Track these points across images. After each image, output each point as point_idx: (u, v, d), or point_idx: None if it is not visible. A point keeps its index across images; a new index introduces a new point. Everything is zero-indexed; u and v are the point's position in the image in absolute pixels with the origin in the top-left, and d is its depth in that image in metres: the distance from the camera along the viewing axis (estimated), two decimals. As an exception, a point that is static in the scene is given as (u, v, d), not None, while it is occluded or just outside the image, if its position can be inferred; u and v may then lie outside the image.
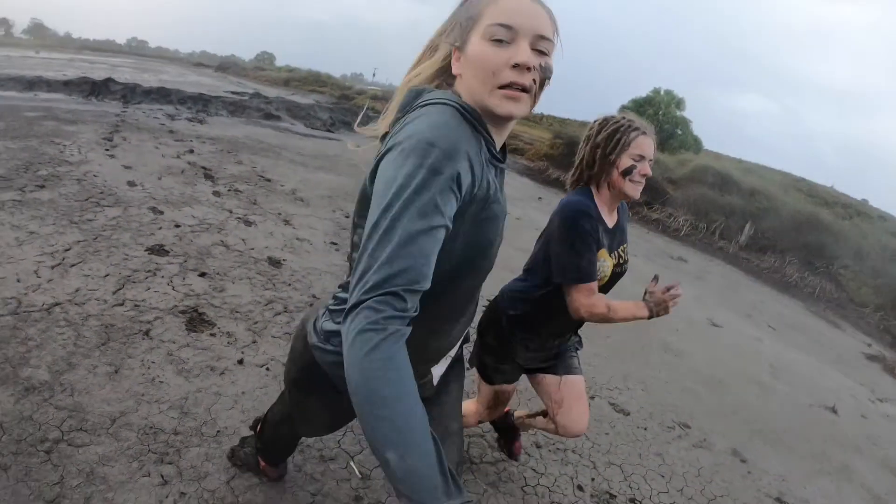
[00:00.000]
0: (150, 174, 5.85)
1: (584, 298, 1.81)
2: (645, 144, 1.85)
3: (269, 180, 6.89)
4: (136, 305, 3.04)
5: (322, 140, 12.43)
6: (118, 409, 2.24)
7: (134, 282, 3.30)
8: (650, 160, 1.87)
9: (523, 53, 0.96)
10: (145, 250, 3.79)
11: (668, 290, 1.85)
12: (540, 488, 2.55)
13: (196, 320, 3.02)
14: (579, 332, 2.21)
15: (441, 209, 0.87)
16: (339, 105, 22.91)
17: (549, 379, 2.11)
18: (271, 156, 8.75)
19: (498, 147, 1.09)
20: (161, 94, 13.29)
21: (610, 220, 1.93)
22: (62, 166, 5.37)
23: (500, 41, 0.97)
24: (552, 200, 9.95)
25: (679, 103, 26.30)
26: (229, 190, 5.97)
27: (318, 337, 1.18)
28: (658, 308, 1.84)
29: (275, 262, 4.14)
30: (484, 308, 2.17)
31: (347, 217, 5.95)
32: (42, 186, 4.63)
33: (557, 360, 2.13)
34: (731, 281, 10.00)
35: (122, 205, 4.62)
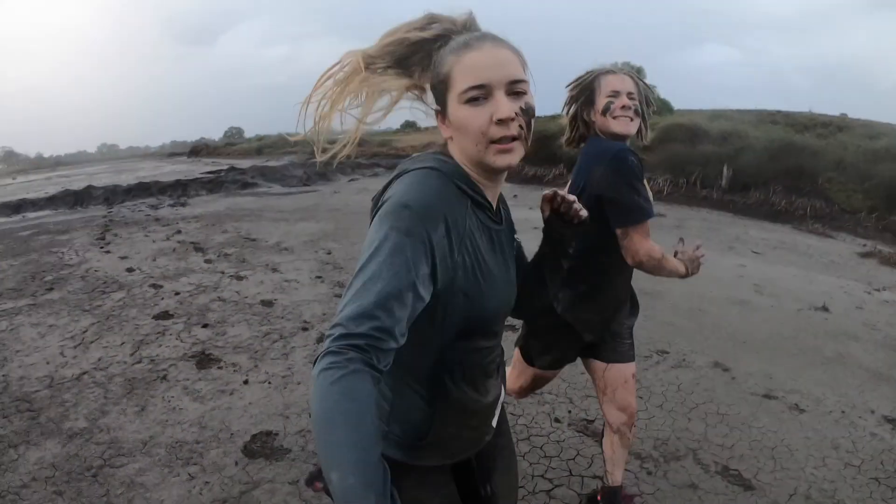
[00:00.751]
0: (145, 258, 6.37)
1: (644, 241, 1.80)
2: (614, 81, 1.88)
3: (254, 239, 7.41)
4: (151, 360, 3.53)
5: (299, 195, 13.00)
6: (147, 435, 2.72)
7: (147, 343, 3.79)
8: (627, 93, 1.87)
9: (503, 108, 0.98)
10: (153, 318, 4.29)
11: (697, 248, 1.92)
12: (518, 427, 2.91)
13: (204, 360, 3.50)
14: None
15: (411, 270, 0.89)
16: (310, 160, 23.52)
17: (595, 365, 2.08)
18: (253, 219, 9.29)
19: (493, 200, 1.10)
20: (141, 189, 13.90)
21: None
22: (64, 269, 5.91)
23: (476, 100, 0.98)
24: (527, 197, 10.30)
25: (638, 71, 26.63)
26: (219, 255, 6.48)
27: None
28: (692, 266, 1.91)
29: (267, 303, 4.62)
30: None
31: (329, 254, 6.45)
32: (51, 289, 5.15)
33: (608, 341, 2.06)
34: (712, 223, 10.22)
35: (125, 288, 5.12)
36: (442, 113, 1.05)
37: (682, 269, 1.89)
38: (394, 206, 0.93)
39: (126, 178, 18.69)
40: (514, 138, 1.00)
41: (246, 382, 3.23)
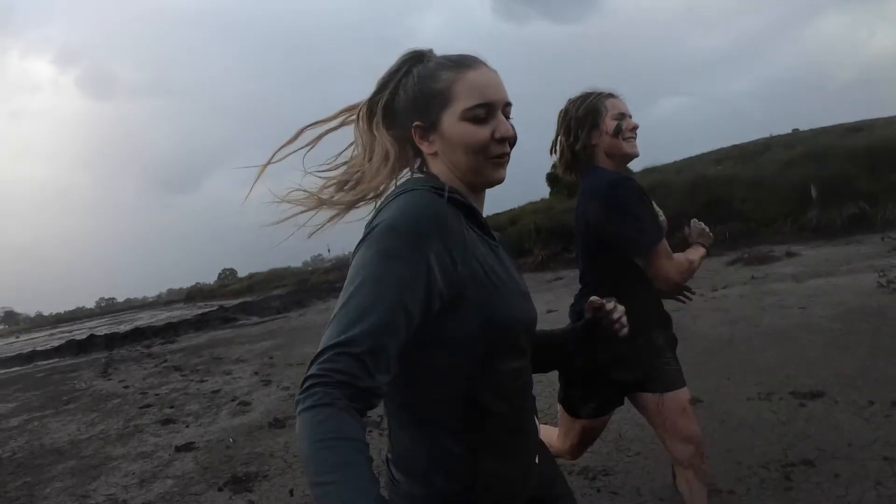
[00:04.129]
0: (137, 380, 8.58)
1: (668, 260, 1.77)
2: (619, 104, 1.88)
3: (220, 358, 9.63)
4: (136, 427, 5.67)
5: (270, 322, 15.35)
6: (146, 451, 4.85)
7: (134, 419, 5.95)
8: (629, 116, 1.88)
9: (503, 127, 1.00)
10: (139, 407, 6.46)
11: (697, 222, 2.01)
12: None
13: (167, 421, 5.64)
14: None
15: (399, 292, 0.85)
16: (293, 290, 26.12)
17: (646, 399, 1.89)
18: (225, 344, 11.57)
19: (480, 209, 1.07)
20: (137, 334, 16.27)
21: None
22: (77, 391, 8.14)
23: (480, 118, 0.99)
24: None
25: None
26: (192, 371, 8.69)
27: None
28: (705, 239, 1.97)
29: (216, 392, 6.79)
30: None
31: (271, 358, 8.64)
32: (68, 402, 7.35)
33: (654, 368, 1.87)
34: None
35: (120, 397, 7.32)
36: (426, 129, 1.03)
37: (702, 251, 1.91)
38: (381, 229, 0.90)
39: (124, 327, 21.09)
40: (506, 155, 1.03)
41: (188, 426, 5.37)
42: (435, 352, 0.94)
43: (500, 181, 1.05)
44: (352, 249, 0.97)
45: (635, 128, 1.88)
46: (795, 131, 21.98)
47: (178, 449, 4.56)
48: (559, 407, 2.05)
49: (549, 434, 2.11)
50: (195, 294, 57.02)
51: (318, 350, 0.82)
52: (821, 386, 3.52)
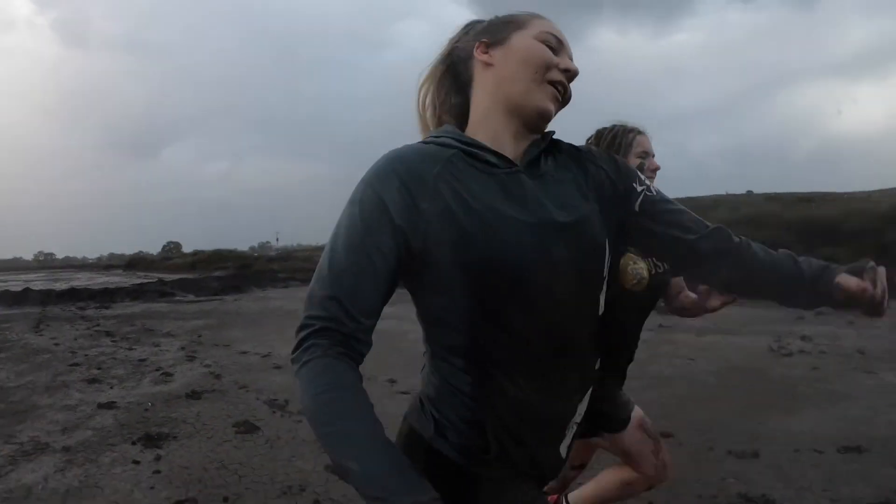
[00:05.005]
0: (68, 339, 8.98)
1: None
2: (645, 142, 1.90)
3: (152, 330, 10.07)
4: (64, 383, 6.15)
5: (206, 302, 15.75)
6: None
7: (62, 374, 6.42)
8: (653, 155, 1.90)
9: (571, 63, 1.00)
10: (67, 365, 6.93)
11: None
12: None
13: (94, 381, 6.15)
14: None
15: (368, 234, 0.87)
16: (234, 274, 26.37)
17: (613, 438, 1.91)
18: (158, 317, 11.99)
19: (515, 151, 0.99)
20: (72, 295, 16.44)
21: None
22: (8, 342, 8.52)
23: (550, 46, 0.98)
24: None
25: None
26: (122, 339, 9.13)
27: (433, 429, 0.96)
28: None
29: (142, 360, 7.30)
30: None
31: (200, 336, 9.15)
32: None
33: (607, 406, 1.86)
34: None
35: (50, 353, 7.75)
36: (490, 44, 1.01)
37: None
38: (355, 189, 0.92)
39: (60, 286, 21.06)
40: (563, 90, 1.00)
41: (112, 388, 5.90)
42: (433, 295, 0.92)
43: (547, 112, 0.99)
44: (299, 242, 1.06)
45: (656, 168, 1.91)
46: (749, 192, 23.16)
47: (101, 406, 5.09)
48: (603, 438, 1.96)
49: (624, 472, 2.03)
50: (136, 262, 56.19)
51: (304, 313, 0.86)
52: (673, 429, 3.90)
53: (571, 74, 1.00)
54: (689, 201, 21.08)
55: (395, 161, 0.91)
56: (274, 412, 4.73)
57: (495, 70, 1.00)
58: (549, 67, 0.97)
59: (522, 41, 0.98)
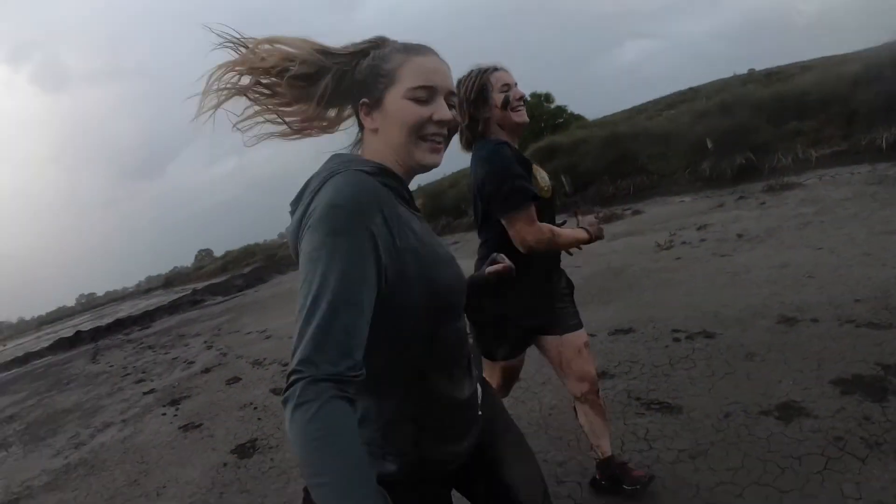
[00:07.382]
0: (119, 360, 11.16)
1: (529, 226, 1.83)
2: (504, 76, 1.96)
3: (183, 335, 12.18)
4: (120, 388, 8.22)
5: (231, 300, 17.97)
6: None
7: (123, 378, 8.50)
8: (515, 84, 1.97)
9: (443, 111, 1.04)
10: (121, 377, 9.01)
11: (597, 213, 2.01)
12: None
13: (139, 381, 8.20)
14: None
15: (358, 267, 0.88)
16: (260, 267, 28.23)
17: (549, 341, 2.07)
18: (190, 324, 14.15)
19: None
20: (117, 325, 18.78)
21: None
22: (74, 375, 10.72)
23: (421, 100, 1.03)
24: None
25: (547, 97, 25.62)
26: (160, 347, 11.25)
27: None
28: (594, 230, 1.99)
29: (175, 358, 9.34)
30: None
31: (220, 330, 11.20)
32: (68, 384, 9.91)
33: (554, 313, 2.07)
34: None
35: (107, 373, 9.89)
36: (370, 105, 1.07)
37: (583, 235, 1.96)
38: (323, 210, 0.91)
39: (106, 320, 23.54)
40: (442, 139, 1.07)
41: (153, 381, 7.93)
42: (383, 324, 0.94)
43: (433, 165, 1.07)
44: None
45: (521, 97, 1.97)
46: (751, 71, 22.81)
47: (145, 394, 7.14)
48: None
49: None
50: (173, 279, 58.33)
51: (293, 345, 0.85)
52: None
53: (446, 124, 1.06)
54: (692, 92, 21.58)
55: (374, 194, 0.95)
56: (254, 368, 6.74)
57: (380, 135, 1.07)
58: (421, 126, 1.04)
59: (394, 104, 1.04)
